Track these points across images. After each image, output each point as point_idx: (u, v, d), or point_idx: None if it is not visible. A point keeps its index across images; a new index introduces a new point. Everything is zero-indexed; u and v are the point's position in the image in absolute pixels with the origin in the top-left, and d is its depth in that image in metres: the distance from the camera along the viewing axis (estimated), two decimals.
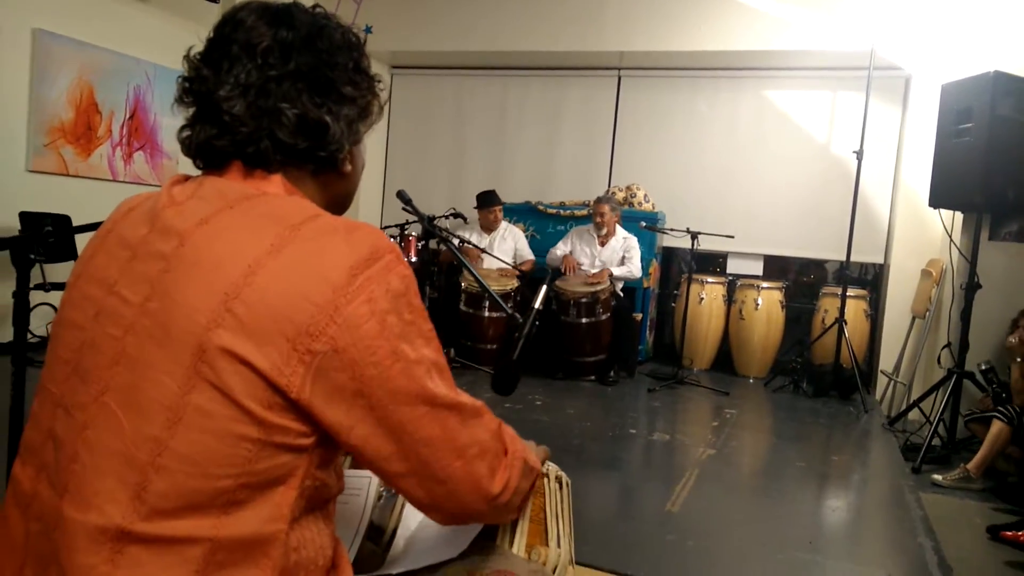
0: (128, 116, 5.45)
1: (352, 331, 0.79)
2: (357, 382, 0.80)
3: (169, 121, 5.74)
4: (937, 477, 3.57)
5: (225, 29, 0.91)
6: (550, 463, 1.28)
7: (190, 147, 0.93)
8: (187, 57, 0.93)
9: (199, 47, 0.94)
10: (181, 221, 0.84)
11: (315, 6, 0.98)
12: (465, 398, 0.91)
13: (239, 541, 0.78)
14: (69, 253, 4.61)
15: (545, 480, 1.26)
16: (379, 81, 1.00)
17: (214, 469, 0.76)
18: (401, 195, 2.06)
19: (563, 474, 1.31)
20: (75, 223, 4.78)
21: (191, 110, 0.92)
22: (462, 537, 1.12)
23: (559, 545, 1.20)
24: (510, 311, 1.51)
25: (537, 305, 1.46)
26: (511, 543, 1.15)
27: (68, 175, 5.07)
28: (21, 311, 1.44)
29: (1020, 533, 2.82)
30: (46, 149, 4.90)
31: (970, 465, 3.54)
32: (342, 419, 0.81)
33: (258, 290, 0.78)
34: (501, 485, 0.94)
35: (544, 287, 1.49)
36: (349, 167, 0.98)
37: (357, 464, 1.30)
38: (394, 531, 1.23)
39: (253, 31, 0.89)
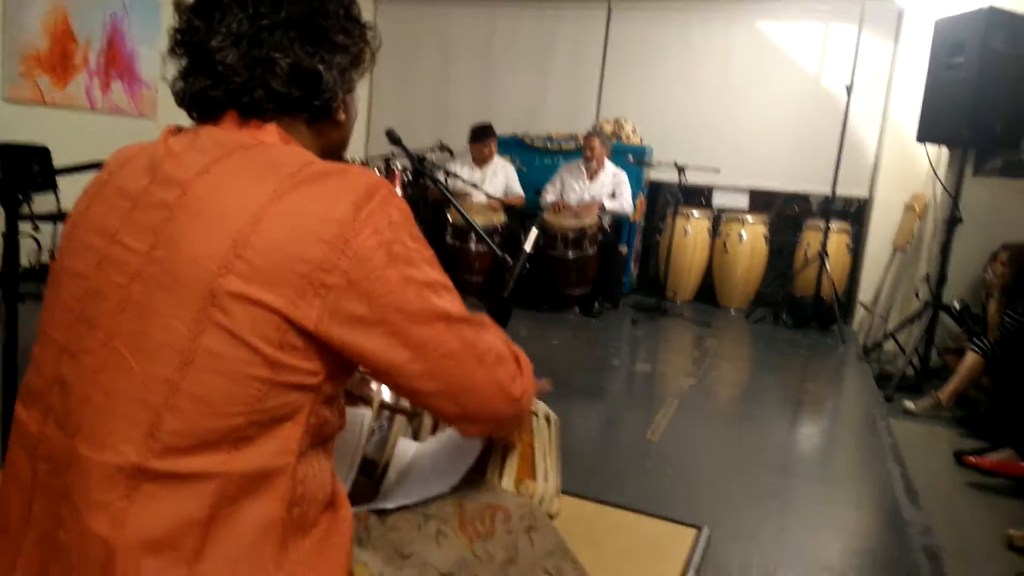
0: (105, 45, 5.29)
1: (363, 263, 0.82)
2: (376, 311, 0.84)
3: (147, 51, 5.58)
4: (908, 404, 3.70)
5: None
6: (539, 402, 1.34)
7: (184, 98, 0.93)
8: (177, 8, 0.93)
9: None
10: (181, 171, 0.86)
11: None
12: (472, 313, 0.95)
13: (249, 475, 0.82)
14: (50, 184, 4.56)
15: (534, 418, 1.31)
16: (370, 29, 1.00)
17: (225, 408, 0.80)
18: (391, 134, 2.05)
19: (551, 412, 1.37)
20: (53, 153, 4.71)
21: (183, 61, 0.92)
22: (453, 472, 1.17)
23: (546, 480, 1.26)
24: (500, 253, 1.54)
25: (527, 248, 1.49)
26: (500, 478, 1.21)
27: (45, 104, 4.95)
28: (11, 253, 1.45)
29: (983, 459, 2.96)
30: (21, 78, 4.77)
31: (941, 394, 3.66)
32: (367, 346, 0.85)
33: (266, 235, 0.80)
34: (521, 388, 0.99)
35: (534, 230, 1.52)
36: (343, 116, 0.99)
37: (351, 402, 1.35)
38: (386, 465, 1.28)
39: None
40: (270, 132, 0.92)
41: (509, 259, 1.53)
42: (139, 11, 5.47)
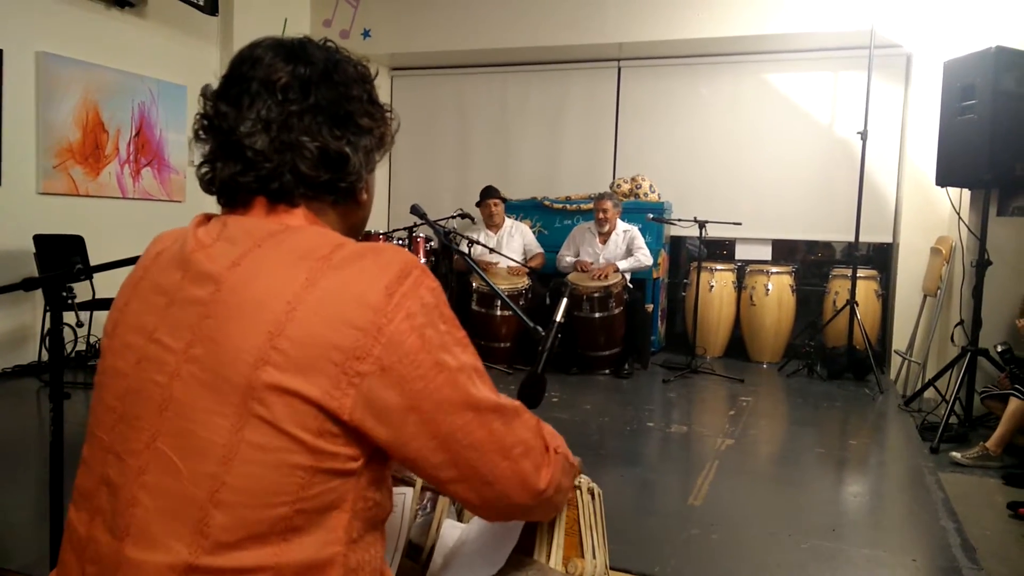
0: (134, 133, 5.49)
1: (396, 349, 0.82)
2: (406, 397, 0.83)
3: (175, 136, 5.78)
4: (956, 455, 3.59)
5: (243, 67, 0.94)
6: (581, 475, 1.31)
7: (212, 183, 0.95)
8: (203, 95, 0.96)
9: (215, 85, 0.96)
10: (213, 265, 0.87)
11: (325, 40, 1.00)
12: (505, 399, 0.94)
13: (300, 566, 0.81)
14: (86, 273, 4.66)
15: (578, 492, 1.29)
16: (389, 111, 1.03)
17: (270, 498, 0.80)
18: (415, 209, 2.08)
19: (595, 485, 1.34)
20: (87, 242, 4.85)
21: (208, 146, 0.95)
22: (500, 553, 1.15)
23: (594, 556, 1.23)
24: (531, 325, 1.53)
25: (558, 318, 1.49)
26: (548, 557, 1.18)
27: (78, 195, 5.11)
28: (56, 348, 1.47)
29: None
30: (55, 171, 4.94)
31: (989, 443, 3.56)
32: (395, 435, 0.84)
33: (301, 324, 0.81)
34: (546, 481, 0.97)
35: (564, 300, 1.52)
36: (365, 196, 1.02)
37: (395, 481, 1.33)
38: (432, 548, 1.26)
39: (271, 68, 0.92)
40: (297, 216, 0.93)
41: (540, 330, 1.52)
42: (165, 98, 5.70)
